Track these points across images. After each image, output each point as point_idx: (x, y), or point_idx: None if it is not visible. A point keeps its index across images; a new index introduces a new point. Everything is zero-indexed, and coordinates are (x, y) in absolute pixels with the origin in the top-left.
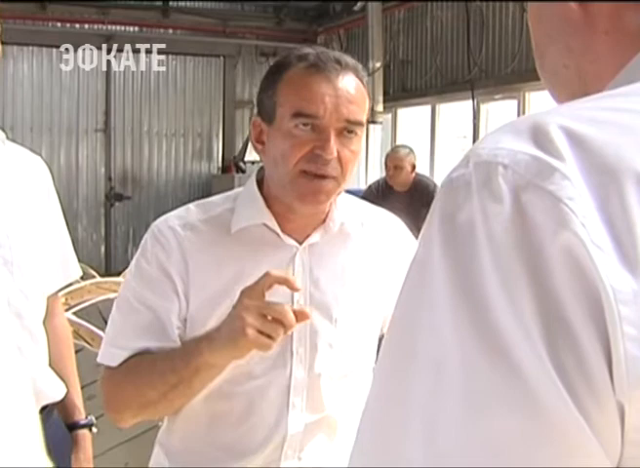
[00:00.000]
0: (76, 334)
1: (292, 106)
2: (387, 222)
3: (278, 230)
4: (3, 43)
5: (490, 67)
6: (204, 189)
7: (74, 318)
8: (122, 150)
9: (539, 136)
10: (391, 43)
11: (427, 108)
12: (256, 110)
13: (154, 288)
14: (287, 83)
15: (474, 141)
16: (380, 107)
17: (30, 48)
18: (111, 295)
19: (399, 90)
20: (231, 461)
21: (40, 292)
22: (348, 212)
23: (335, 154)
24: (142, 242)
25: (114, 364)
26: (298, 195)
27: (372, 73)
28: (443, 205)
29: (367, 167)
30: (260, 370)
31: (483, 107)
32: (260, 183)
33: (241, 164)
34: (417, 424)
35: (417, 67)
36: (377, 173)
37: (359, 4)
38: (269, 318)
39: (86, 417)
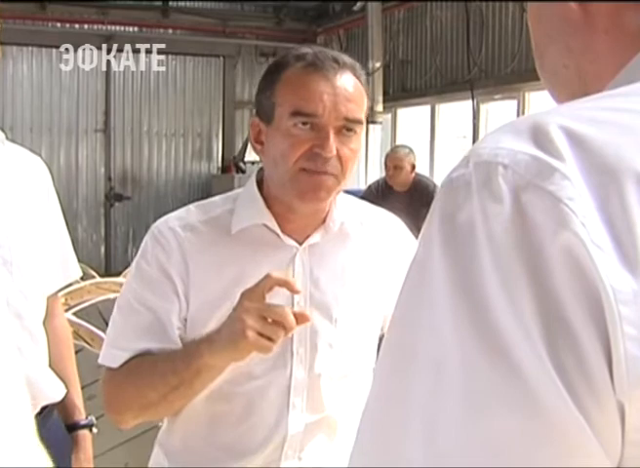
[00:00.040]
0: (76, 335)
1: (290, 105)
2: (387, 222)
3: (278, 231)
4: (3, 43)
5: (489, 67)
6: (204, 189)
7: (74, 318)
8: (122, 150)
9: (539, 137)
10: (391, 43)
11: (427, 108)
12: (254, 110)
13: (154, 289)
14: (285, 82)
15: (474, 141)
16: (379, 107)
17: (30, 48)
18: (111, 296)
19: (399, 90)
20: (231, 461)
21: (40, 292)
22: (348, 211)
23: (334, 152)
24: (143, 243)
25: (115, 365)
26: (298, 193)
27: (371, 73)
28: (443, 205)
29: (367, 167)
30: (261, 371)
31: (483, 107)
32: (259, 184)
33: (241, 164)
34: (417, 424)
35: (416, 67)
36: (376, 173)
37: (359, 4)
38: (270, 320)
39: (86, 418)
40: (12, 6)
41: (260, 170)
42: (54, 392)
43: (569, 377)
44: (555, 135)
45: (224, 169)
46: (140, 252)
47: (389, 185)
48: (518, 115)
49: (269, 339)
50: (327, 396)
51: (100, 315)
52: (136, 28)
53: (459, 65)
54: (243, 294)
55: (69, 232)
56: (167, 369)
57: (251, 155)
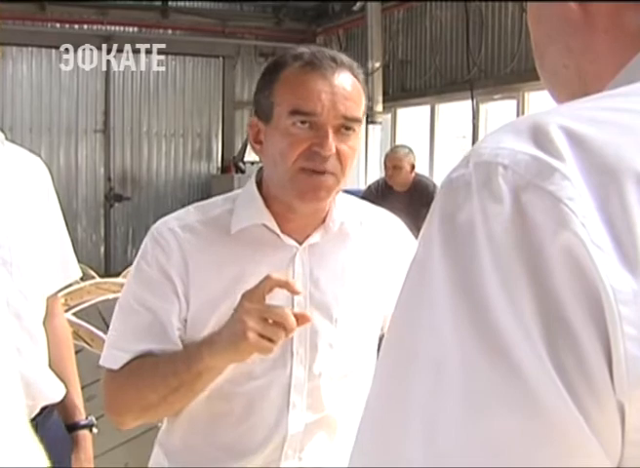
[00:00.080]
0: (76, 335)
1: (289, 105)
2: (386, 222)
3: (278, 231)
4: (2, 44)
5: (489, 67)
6: (203, 190)
7: (74, 319)
8: (121, 151)
9: (539, 137)
10: (390, 43)
11: (427, 108)
12: (253, 110)
13: (154, 290)
14: (283, 82)
15: (473, 141)
16: (379, 107)
17: (29, 48)
18: (111, 296)
19: (398, 90)
20: (231, 461)
21: (40, 292)
22: (348, 211)
23: (333, 150)
24: (143, 244)
25: (116, 366)
26: (297, 193)
27: (371, 73)
28: (443, 205)
29: (366, 167)
30: (261, 371)
31: (482, 107)
32: (259, 184)
33: (240, 164)
34: (417, 424)
35: (416, 67)
36: (376, 173)
37: (358, 4)
38: (270, 321)
39: (86, 418)
40: (11, 6)
41: (260, 170)
42: (53, 392)
43: (569, 377)
44: (555, 135)
45: (224, 169)
46: (139, 253)
47: (389, 185)
48: (518, 115)
49: (270, 340)
50: (327, 396)
51: (99, 315)
52: (135, 29)
53: (458, 65)
54: (243, 296)
55: (69, 232)
56: (168, 370)
57: (250, 155)
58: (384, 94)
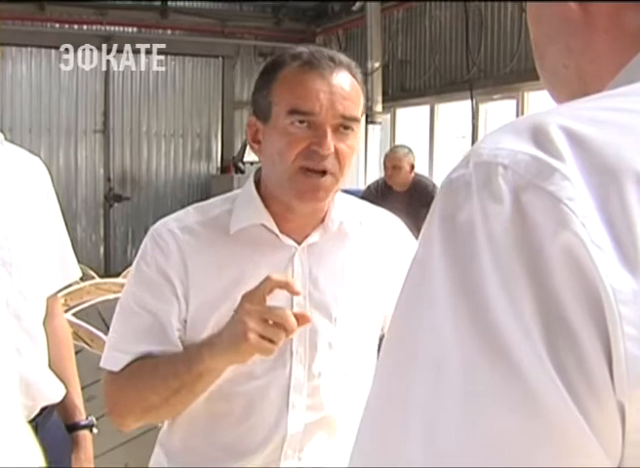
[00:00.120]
0: (76, 336)
1: (287, 104)
2: (386, 221)
3: (276, 231)
4: (2, 44)
5: (489, 67)
6: (203, 190)
7: (74, 319)
8: (121, 151)
9: (539, 137)
10: (390, 43)
11: (426, 108)
12: (251, 110)
13: (154, 291)
14: (281, 81)
15: (473, 141)
16: (378, 107)
17: (29, 49)
18: (110, 296)
19: (398, 90)
20: (231, 461)
21: (39, 293)
22: (347, 211)
23: (332, 149)
24: (142, 246)
25: (117, 368)
26: (296, 193)
27: (370, 73)
28: (443, 205)
29: (366, 167)
30: (261, 371)
31: (482, 107)
32: (257, 184)
33: (240, 164)
34: (417, 424)
35: (415, 67)
36: (375, 173)
37: (358, 4)
38: (271, 322)
39: (86, 418)
40: (11, 7)
41: (258, 170)
42: (53, 393)
43: (569, 377)
44: (555, 135)
45: (224, 169)
46: (139, 254)
47: (389, 185)
48: (517, 115)
49: (271, 341)
50: (326, 395)
51: (99, 316)
52: (135, 29)
53: (458, 65)
54: (244, 297)
55: (69, 233)
56: (168, 372)
57: (250, 155)
58: (384, 94)
